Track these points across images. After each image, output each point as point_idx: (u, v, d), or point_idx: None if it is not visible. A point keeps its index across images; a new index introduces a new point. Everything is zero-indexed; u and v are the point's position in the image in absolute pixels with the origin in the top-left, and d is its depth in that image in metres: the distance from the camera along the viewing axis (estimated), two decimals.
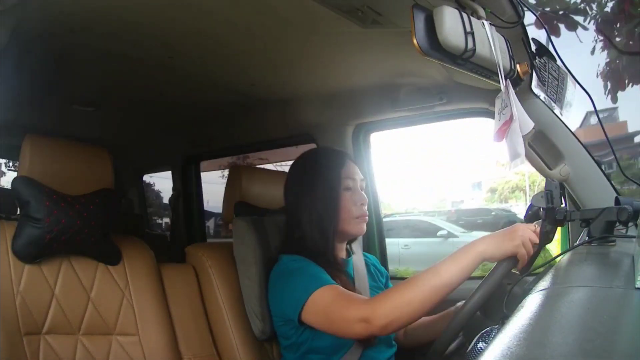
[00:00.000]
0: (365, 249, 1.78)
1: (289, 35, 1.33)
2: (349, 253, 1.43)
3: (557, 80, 1.32)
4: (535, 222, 1.05)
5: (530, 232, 1.03)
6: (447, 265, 1.04)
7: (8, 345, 1.11)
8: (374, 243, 1.88)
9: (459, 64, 0.99)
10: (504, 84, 1.05)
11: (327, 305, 1.13)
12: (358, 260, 1.43)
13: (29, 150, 1.21)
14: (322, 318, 1.14)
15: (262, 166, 2.69)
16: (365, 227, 1.35)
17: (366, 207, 1.35)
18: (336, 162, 1.35)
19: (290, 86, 1.75)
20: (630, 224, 0.98)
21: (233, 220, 1.54)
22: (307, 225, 1.31)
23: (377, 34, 1.26)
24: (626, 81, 3.56)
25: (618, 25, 3.35)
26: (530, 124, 1.11)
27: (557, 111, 1.38)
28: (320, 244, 1.30)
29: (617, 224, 0.95)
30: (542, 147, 1.42)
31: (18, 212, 1.23)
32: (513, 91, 1.07)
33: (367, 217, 1.35)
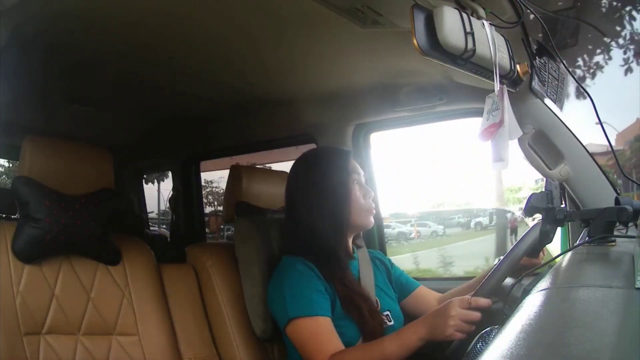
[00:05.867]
0: (365, 244, 1.78)
1: (289, 35, 1.33)
2: (353, 249, 1.44)
3: (557, 80, 1.32)
4: (474, 295, 1.11)
5: (463, 312, 1.08)
6: (392, 343, 1.14)
7: (8, 345, 1.11)
8: (374, 239, 1.88)
9: (459, 64, 0.99)
10: (499, 87, 1.05)
11: (302, 339, 1.22)
12: (363, 255, 1.44)
13: (29, 150, 1.21)
14: (297, 344, 1.24)
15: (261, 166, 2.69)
16: (372, 220, 1.37)
17: (371, 200, 1.37)
18: (343, 158, 1.38)
19: (290, 86, 1.75)
20: (630, 224, 0.98)
21: (235, 220, 1.54)
22: (319, 221, 1.31)
23: (377, 34, 1.26)
24: None
25: None
26: (518, 132, 1.11)
27: (557, 111, 1.38)
28: (333, 239, 1.31)
29: (617, 224, 0.95)
30: (542, 147, 1.42)
31: (18, 212, 1.23)
32: (507, 96, 1.07)
33: (374, 210, 1.37)
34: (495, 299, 1.14)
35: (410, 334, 1.13)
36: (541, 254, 1.24)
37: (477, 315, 1.08)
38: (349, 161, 1.37)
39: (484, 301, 1.09)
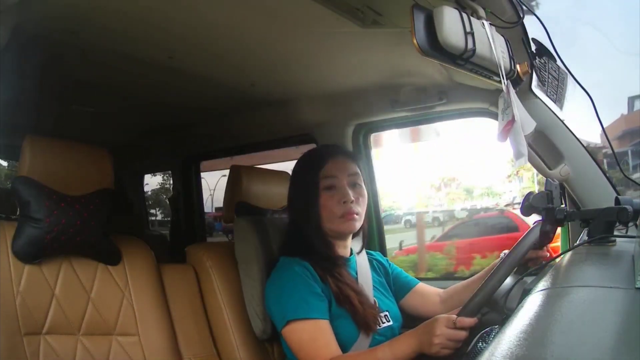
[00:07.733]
0: (365, 246, 1.78)
1: (289, 35, 1.33)
2: (351, 251, 1.43)
3: (557, 80, 1.32)
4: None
5: (448, 332, 1.10)
6: (386, 352, 1.16)
7: (8, 345, 1.11)
8: (374, 240, 1.88)
9: (459, 64, 0.99)
10: (505, 84, 1.05)
11: (299, 341, 1.23)
12: (361, 257, 1.44)
13: (29, 150, 1.21)
14: (293, 346, 1.24)
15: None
16: (354, 225, 1.33)
17: (354, 204, 1.31)
18: (315, 163, 1.35)
19: (290, 86, 1.75)
20: (630, 224, 0.98)
21: (234, 220, 1.54)
22: (301, 224, 1.35)
23: (377, 34, 1.26)
24: None
25: None
26: (532, 124, 1.11)
27: (557, 111, 1.38)
28: (315, 242, 1.32)
29: (617, 224, 0.95)
30: (542, 147, 1.42)
31: (18, 212, 1.23)
32: (514, 91, 1.07)
33: (355, 215, 1.31)
34: (485, 310, 1.15)
35: (402, 344, 1.16)
36: (546, 247, 1.22)
37: (462, 334, 1.09)
38: (322, 166, 1.33)
39: (469, 321, 1.10)
